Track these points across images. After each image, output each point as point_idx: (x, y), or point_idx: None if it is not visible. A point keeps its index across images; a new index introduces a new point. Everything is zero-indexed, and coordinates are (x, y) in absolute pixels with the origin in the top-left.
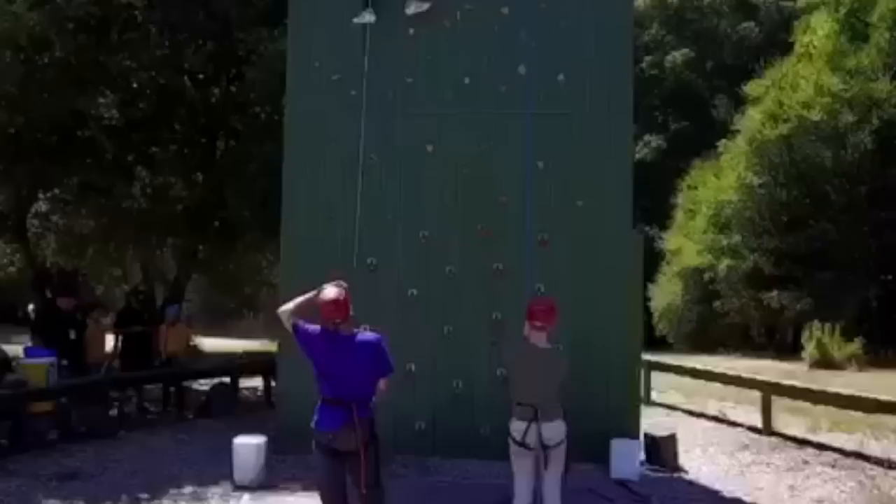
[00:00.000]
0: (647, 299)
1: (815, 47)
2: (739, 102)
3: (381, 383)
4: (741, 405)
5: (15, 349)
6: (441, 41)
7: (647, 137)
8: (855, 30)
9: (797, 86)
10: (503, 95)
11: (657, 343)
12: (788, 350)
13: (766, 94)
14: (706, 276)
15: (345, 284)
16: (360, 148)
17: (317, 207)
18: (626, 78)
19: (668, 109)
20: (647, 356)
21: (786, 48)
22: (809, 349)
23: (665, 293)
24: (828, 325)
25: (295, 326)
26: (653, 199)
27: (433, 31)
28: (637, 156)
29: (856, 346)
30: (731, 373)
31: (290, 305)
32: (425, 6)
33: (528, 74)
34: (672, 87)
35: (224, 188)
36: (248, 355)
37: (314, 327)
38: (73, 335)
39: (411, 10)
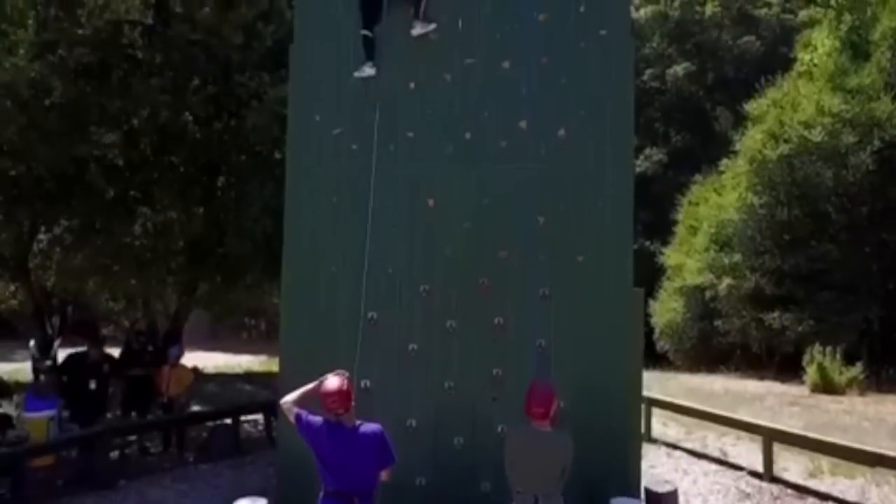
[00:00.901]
0: (647, 315)
1: (815, 65)
2: (740, 116)
3: (384, 474)
4: (742, 441)
5: (15, 368)
6: (442, 95)
7: (648, 151)
8: (856, 47)
9: (798, 105)
10: (504, 150)
11: (658, 359)
12: (790, 370)
13: (767, 114)
14: (707, 294)
15: (346, 374)
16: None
17: (317, 257)
18: (627, 134)
19: (669, 122)
20: (647, 375)
21: (787, 63)
22: (810, 373)
23: (666, 309)
24: (829, 349)
25: (297, 417)
26: (654, 212)
27: (434, 86)
28: (638, 169)
29: (857, 370)
30: (732, 416)
31: (292, 396)
32: (431, 26)
33: (529, 129)
34: (673, 99)
35: (225, 224)
36: (250, 375)
37: (316, 419)
38: (93, 385)
39: (417, 30)
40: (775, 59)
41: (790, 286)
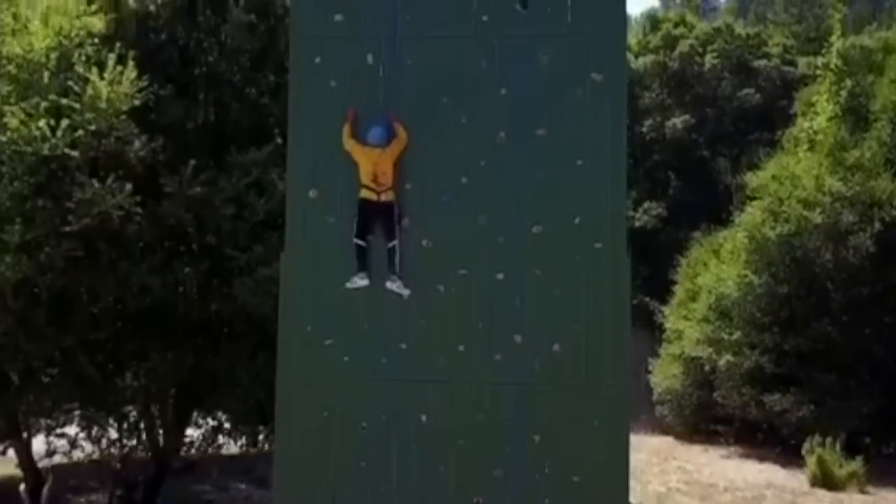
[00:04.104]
0: (647, 371)
1: (815, 132)
2: (739, 164)
3: None
4: None
5: None
6: (435, 307)
7: (647, 204)
8: (857, 113)
9: (798, 181)
10: (498, 364)
11: (657, 422)
12: (791, 450)
13: (766, 189)
14: (706, 367)
15: None
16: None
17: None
18: (621, 348)
19: (668, 174)
20: (646, 450)
21: (787, 118)
22: (810, 465)
23: (665, 375)
24: (829, 440)
25: None
26: (653, 266)
27: (427, 297)
28: (637, 223)
29: (857, 464)
30: None
31: None
32: (406, 292)
33: (523, 343)
34: (672, 151)
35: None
36: None
37: None
38: None
39: (390, 286)
40: (775, 111)
41: (791, 365)
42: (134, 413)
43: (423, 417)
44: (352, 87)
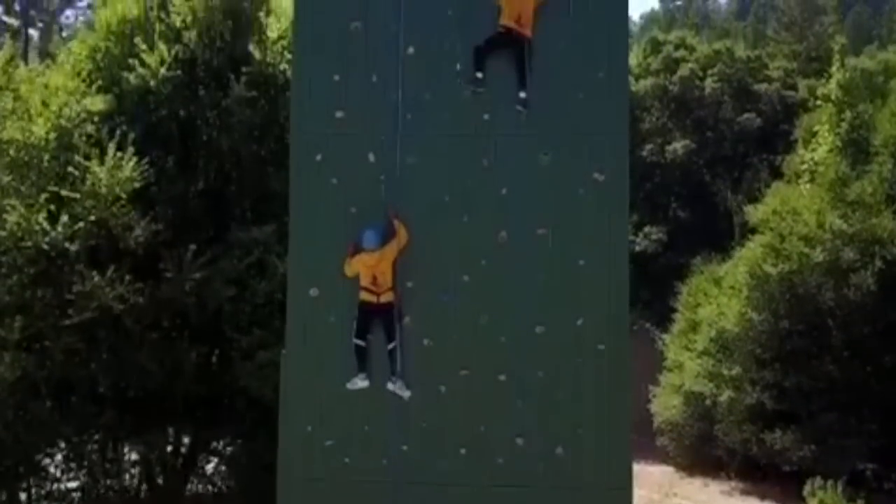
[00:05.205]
0: (648, 400)
1: (816, 164)
2: (739, 189)
3: None
4: None
5: None
6: (436, 408)
7: (647, 229)
8: (858, 145)
9: (799, 217)
10: (501, 468)
11: (657, 452)
12: (792, 492)
13: (767, 223)
14: (707, 401)
15: None
16: None
17: None
18: (625, 451)
19: (668, 198)
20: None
21: (787, 143)
22: None
23: (665, 406)
24: (830, 482)
25: None
26: (653, 291)
27: (429, 397)
28: (637, 248)
29: None
30: None
31: None
32: (406, 393)
33: (525, 446)
34: (672, 175)
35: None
36: None
37: None
38: None
39: (391, 387)
40: (776, 135)
41: (792, 402)
42: (135, 480)
43: None
44: (353, 184)
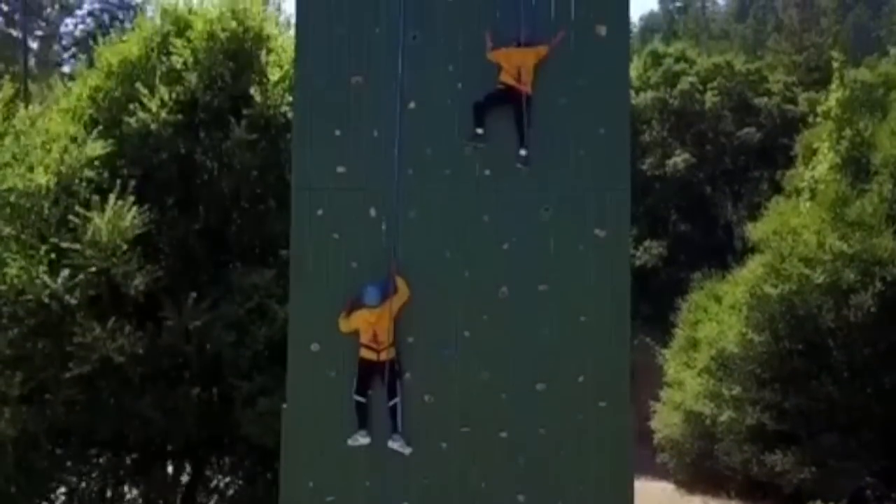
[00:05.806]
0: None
1: (816, 181)
2: (739, 202)
3: None
4: None
5: None
6: (437, 465)
7: (647, 243)
8: (858, 164)
9: (799, 237)
10: None
11: (657, 468)
12: None
13: (767, 242)
14: (707, 420)
15: None
16: None
17: None
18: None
19: (669, 211)
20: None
21: (787, 157)
22: None
23: (665, 423)
24: None
25: None
26: (653, 305)
27: (429, 454)
28: (637, 262)
29: None
30: None
31: None
32: (408, 450)
33: (527, 503)
34: (673, 189)
35: None
36: None
37: None
38: None
39: (392, 444)
40: (776, 149)
41: (792, 423)
42: None
43: None
44: (354, 239)
